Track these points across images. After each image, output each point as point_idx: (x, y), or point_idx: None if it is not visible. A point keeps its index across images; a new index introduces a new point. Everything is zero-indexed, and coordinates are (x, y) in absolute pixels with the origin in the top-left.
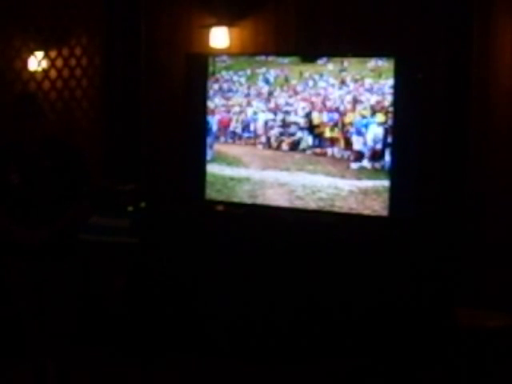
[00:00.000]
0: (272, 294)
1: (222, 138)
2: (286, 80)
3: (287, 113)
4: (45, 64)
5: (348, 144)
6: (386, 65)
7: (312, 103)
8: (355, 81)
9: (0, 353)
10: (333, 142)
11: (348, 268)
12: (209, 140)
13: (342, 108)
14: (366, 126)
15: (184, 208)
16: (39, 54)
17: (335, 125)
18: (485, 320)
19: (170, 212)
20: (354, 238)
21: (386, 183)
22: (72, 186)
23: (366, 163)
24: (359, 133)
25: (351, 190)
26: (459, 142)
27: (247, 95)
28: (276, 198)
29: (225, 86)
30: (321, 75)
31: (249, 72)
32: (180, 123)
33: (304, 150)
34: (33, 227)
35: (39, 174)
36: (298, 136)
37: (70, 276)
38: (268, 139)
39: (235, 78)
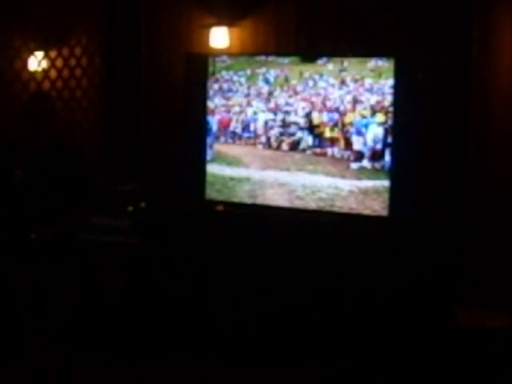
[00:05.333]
0: (272, 294)
1: (222, 138)
2: (286, 80)
3: (287, 113)
4: (45, 64)
5: (348, 144)
6: (385, 65)
7: (312, 103)
8: (355, 81)
9: (0, 353)
10: (333, 141)
11: (348, 268)
12: (209, 140)
13: (342, 108)
14: (366, 125)
15: (184, 208)
16: (39, 54)
17: (335, 125)
18: (485, 320)
19: (170, 212)
20: (354, 238)
21: (386, 183)
22: (75, 186)
23: (365, 163)
24: (359, 133)
25: (351, 189)
26: (459, 141)
27: (247, 95)
28: (276, 197)
29: (225, 86)
30: (321, 75)
31: (249, 72)
32: (180, 123)
33: (304, 150)
34: (35, 226)
35: (43, 173)
36: (298, 136)
37: (70, 276)
38: (268, 139)
39: (235, 77)
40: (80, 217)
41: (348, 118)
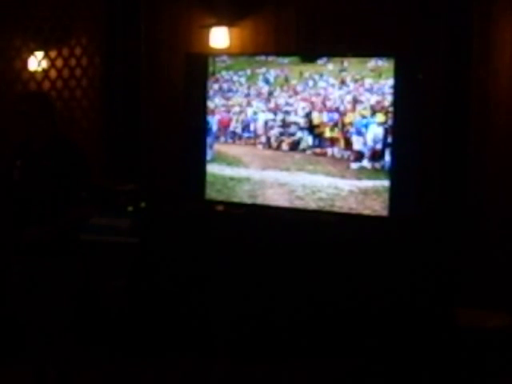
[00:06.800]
0: (272, 294)
1: (222, 138)
2: (286, 80)
3: (287, 113)
4: (45, 64)
5: (348, 144)
6: (385, 65)
7: (312, 103)
8: (355, 81)
9: (0, 353)
10: (333, 141)
11: (348, 268)
12: (209, 140)
13: (342, 108)
14: (366, 125)
15: (184, 208)
16: (39, 54)
17: (335, 125)
18: (485, 320)
19: (170, 212)
20: (354, 238)
21: (386, 183)
22: (74, 186)
23: (365, 163)
24: (359, 133)
25: (351, 189)
26: (459, 141)
27: (247, 95)
28: (276, 197)
29: (225, 85)
30: (321, 75)
31: (249, 72)
32: (180, 123)
33: (304, 150)
34: (33, 226)
35: (41, 172)
36: (298, 136)
37: (70, 276)
38: (268, 139)
39: (235, 78)
40: (74, 216)
41: (348, 118)
